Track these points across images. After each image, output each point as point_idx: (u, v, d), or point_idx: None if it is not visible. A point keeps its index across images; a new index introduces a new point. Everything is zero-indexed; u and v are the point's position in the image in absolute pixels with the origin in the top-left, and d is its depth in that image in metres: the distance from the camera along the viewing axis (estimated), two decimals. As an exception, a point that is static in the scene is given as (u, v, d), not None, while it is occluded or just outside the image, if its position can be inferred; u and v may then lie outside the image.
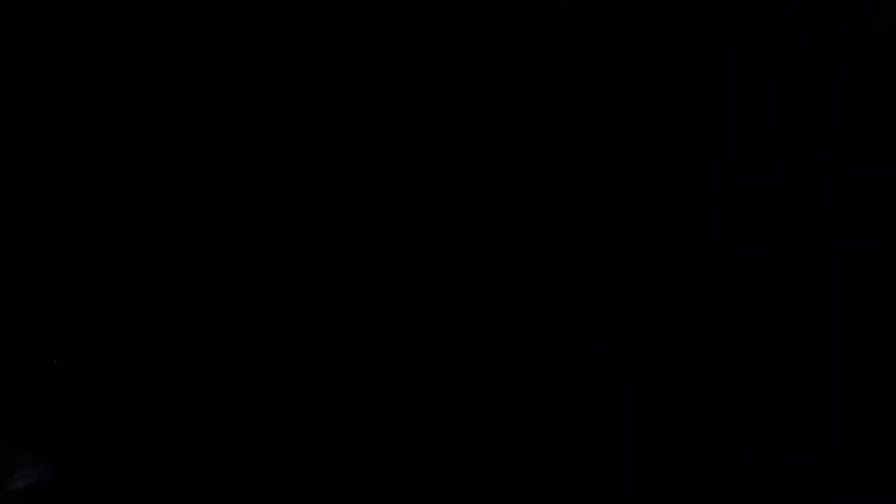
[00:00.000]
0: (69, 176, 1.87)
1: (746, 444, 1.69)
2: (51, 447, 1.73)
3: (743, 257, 1.99)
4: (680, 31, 2.01)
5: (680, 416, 1.80)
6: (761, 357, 1.94)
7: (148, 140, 1.89)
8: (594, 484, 1.63)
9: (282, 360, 1.97)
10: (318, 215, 2.09)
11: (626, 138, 2.04)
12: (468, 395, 1.89)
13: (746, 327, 1.97)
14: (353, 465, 1.69)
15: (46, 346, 1.86)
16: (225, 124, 2.00)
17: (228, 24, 1.92)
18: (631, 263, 2.05)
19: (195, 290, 1.93)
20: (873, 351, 1.85)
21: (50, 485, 1.67)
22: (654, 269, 2.03)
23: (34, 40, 1.80)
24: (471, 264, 2.18)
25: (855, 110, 1.92)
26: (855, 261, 1.92)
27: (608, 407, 1.82)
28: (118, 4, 1.84)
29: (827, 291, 1.93)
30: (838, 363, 1.84)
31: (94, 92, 1.84)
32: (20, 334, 1.85)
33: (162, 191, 1.91)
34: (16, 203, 1.85)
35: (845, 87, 1.91)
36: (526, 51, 2.11)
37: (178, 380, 1.89)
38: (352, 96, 2.05)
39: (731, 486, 1.60)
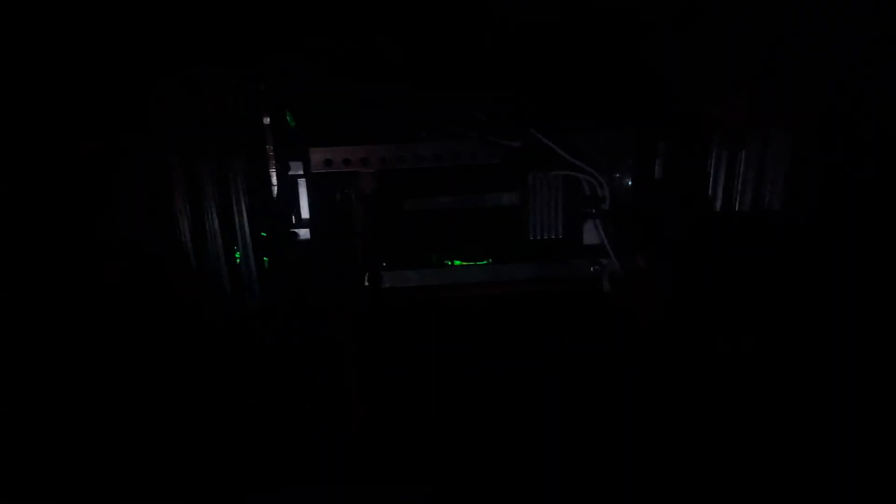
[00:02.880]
0: (69, 176, 1.87)
1: (746, 443, 1.70)
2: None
3: (742, 257, 1.99)
4: (680, 31, 2.01)
5: (679, 415, 1.80)
6: (761, 356, 1.94)
7: (148, 140, 1.89)
8: (594, 484, 1.63)
9: (282, 360, 1.98)
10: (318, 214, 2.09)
11: (626, 139, 2.04)
12: (468, 395, 1.90)
13: (747, 326, 1.98)
14: (353, 464, 1.69)
15: (46, 345, 1.86)
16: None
17: (229, 24, 1.92)
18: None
19: (195, 290, 1.94)
20: (873, 350, 1.85)
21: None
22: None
23: (34, 40, 1.80)
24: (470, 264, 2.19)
25: (855, 110, 1.92)
26: (854, 260, 1.92)
27: (608, 407, 1.82)
28: (118, 5, 1.84)
29: (827, 290, 1.93)
30: (838, 362, 1.84)
31: (94, 92, 1.84)
32: (20, 334, 1.85)
33: (161, 190, 1.91)
34: (16, 203, 1.85)
35: (845, 87, 1.91)
36: (526, 51, 2.11)
37: (178, 379, 1.89)
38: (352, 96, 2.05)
39: (731, 485, 1.61)
